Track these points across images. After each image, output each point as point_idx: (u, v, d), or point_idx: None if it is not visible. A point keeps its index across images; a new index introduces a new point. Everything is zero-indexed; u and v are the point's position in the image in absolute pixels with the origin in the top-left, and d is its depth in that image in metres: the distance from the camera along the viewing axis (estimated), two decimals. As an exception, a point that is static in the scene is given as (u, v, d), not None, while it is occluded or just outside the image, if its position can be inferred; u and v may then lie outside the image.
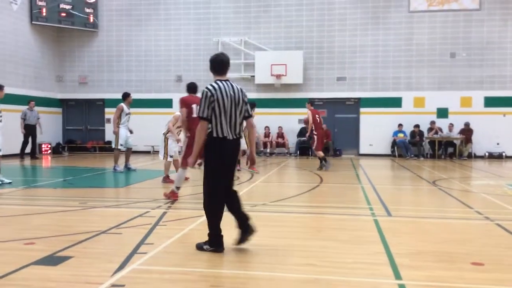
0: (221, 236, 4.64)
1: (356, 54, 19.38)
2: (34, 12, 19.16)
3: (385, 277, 3.90)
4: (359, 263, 4.28)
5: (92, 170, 12.89)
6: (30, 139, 16.63)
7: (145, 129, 17.65)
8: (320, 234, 5.50)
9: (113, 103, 18.53)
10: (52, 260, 4.28)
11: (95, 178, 11.11)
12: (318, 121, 13.18)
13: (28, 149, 16.71)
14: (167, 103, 19.66)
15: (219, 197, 4.63)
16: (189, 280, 3.76)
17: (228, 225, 4.78)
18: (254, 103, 12.08)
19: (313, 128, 13.08)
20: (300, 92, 19.73)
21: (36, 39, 19.65)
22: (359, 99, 19.48)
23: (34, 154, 16.86)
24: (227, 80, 4.70)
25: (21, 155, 16.45)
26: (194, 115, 7.49)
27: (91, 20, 20.61)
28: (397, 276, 3.93)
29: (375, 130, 19.19)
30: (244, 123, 4.78)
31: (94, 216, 6.60)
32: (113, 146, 12.32)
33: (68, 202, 7.42)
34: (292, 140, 19.66)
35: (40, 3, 19.25)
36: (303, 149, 19.41)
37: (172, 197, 7.74)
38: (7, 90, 16.99)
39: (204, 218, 5.94)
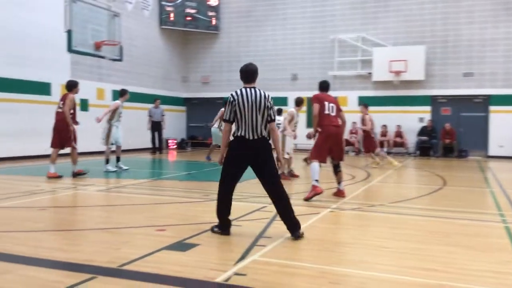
0: (228, 221, 5.13)
1: (485, 48, 17.91)
2: (163, 17, 20.74)
3: (519, 289, 3.59)
4: (487, 271, 3.99)
5: (212, 165, 13.57)
6: (156, 135, 18.08)
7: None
8: (443, 238, 5.21)
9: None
10: (181, 246, 4.63)
11: (214, 173, 11.70)
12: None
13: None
14: (283, 101, 19.98)
15: (227, 186, 5.11)
16: (307, 275, 3.82)
17: (337, 224, 4.74)
18: (280, 109, 11.86)
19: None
20: (422, 89, 18.79)
21: (164, 43, 21.23)
22: (488, 96, 17.98)
23: (161, 148, 18.25)
24: (253, 87, 5.16)
25: (152, 149, 17.96)
26: (326, 112, 7.56)
27: (213, 23, 21.70)
28: (534, 289, 3.59)
29: (507, 130, 17.56)
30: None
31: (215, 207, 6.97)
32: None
33: (192, 194, 7.93)
34: (411, 139, 18.79)
35: (168, 9, 20.77)
36: (424, 149, 18.45)
37: (315, 190, 7.35)
38: (139, 90, 18.63)
39: (321, 215, 5.93)
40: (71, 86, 10.15)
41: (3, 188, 8.44)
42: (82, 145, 16.54)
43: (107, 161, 11.26)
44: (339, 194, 7.84)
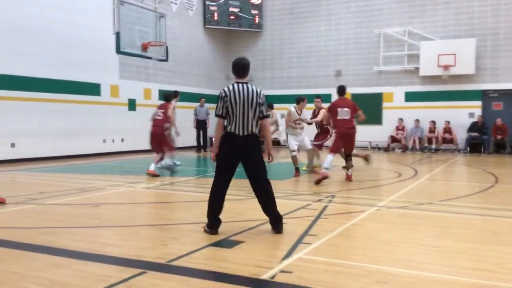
0: (217, 220, 5.04)
1: (540, 38, 17.07)
2: (207, 17, 21.01)
3: None
4: (545, 274, 3.82)
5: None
6: (201, 133, 18.38)
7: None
8: (494, 238, 5.02)
9: (275, 99, 19.34)
10: (227, 243, 4.70)
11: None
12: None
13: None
14: (327, 98, 19.76)
15: (219, 183, 5.12)
16: (353, 274, 3.79)
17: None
18: (271, 104, 11.91)
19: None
20: (472, 84, 18.14)
21: (208, 42, 21.51)
22: (543, 89, 17.13)
23: (205, 146, 18.53)
24: (246, 82, 5.12)
25: (197, 147, 18.28)
26: (339, 117, 9.24)
27: (257, 21, 21.78)
28: None
29: None
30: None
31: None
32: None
33: (237, 191, 8.00)
34: (461, 135, 18.18)
35: (212, 8, 21.02)
36: (474, 145, 17.81)
37: (322, 174, 8.85)
38: (184, 89, 18.96)
39: (367, 213, 5.87)
40: (171, 97, 10.60)
41: (58, 186, 8.83)
42: (131, 144, 17.07)
43: (162, 158, 11.61)
44: (348, 178, 9.48)
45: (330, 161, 9.00)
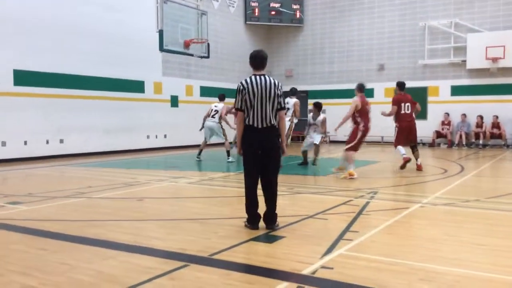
0: (256, 215, 5.05)
1: None
2: (248, 13, 21.08)
3: None
4: None
5: (297, 158, 13.60)
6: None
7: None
8: (549, 237, 4.81)
9: (315, 94, 19.20)
10: (268, 238, 4.73)
11: (298, 166, 11.72)
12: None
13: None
14: (369, 93, 19.46)
15: (249, 178, 5.07)
16: (396, 271, 3.72)
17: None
18: (320, 104, 11.27)
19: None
20: (522, 76, 17.36)
21: (249, 38, 21.58)
22: None
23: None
24: (263, 74, 5.07)
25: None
26: (402, 112, 10.11)
27: (298, 16, 21.66)
28: None
29: None
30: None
31: (301, 201, 7.03)
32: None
33: (278, 187, 8.01)
34: (510, 130, 17.46)
35: (253, 4, 21.08)
36: (525, 141, 17.06)
37: (404, 159, 9.96)
38: (225, 85, 19.12)
39: (411, 210, 5.78)
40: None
41: (105, 180, 9.13)
42: (173, 140, 17.40)
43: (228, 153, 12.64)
44: (419, 168, 10.12)
45: (402, 149, 10.05)
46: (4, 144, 12.42)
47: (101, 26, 14.62)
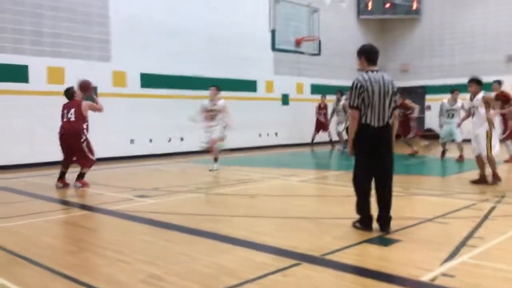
0: (370, 217, 4.87)
1: None
2: (361, 8, 20.57)
3: None
4: None
5: (409, 157, 12.98)
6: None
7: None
8: None
9: (433, 90, 18.16)
10: (383, 240, 4.57)
11: (415, 166, 11.17)
12: None
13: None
14: (487, 86, 17.90)
15: (362, 179, 4.87)
16: (529, 284, 3.39)
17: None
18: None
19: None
20: None
21: (361, 33, 21.04)
22: None
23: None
24: (378, 70, 4.84)
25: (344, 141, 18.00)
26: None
27: (414, 7, 20.63)
28: None
29: None
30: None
31: (417, 203, 6.70)
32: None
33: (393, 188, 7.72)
34: None
35: (366, -2, 20.53)
36: None
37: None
38: (336, 82, 18.84)
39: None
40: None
41: (220, 177, 9.57)
42: (284, 138, 17.62)
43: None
44: None
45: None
46: (132, 141, 13.58)
47: (220, 30, 15.21)
